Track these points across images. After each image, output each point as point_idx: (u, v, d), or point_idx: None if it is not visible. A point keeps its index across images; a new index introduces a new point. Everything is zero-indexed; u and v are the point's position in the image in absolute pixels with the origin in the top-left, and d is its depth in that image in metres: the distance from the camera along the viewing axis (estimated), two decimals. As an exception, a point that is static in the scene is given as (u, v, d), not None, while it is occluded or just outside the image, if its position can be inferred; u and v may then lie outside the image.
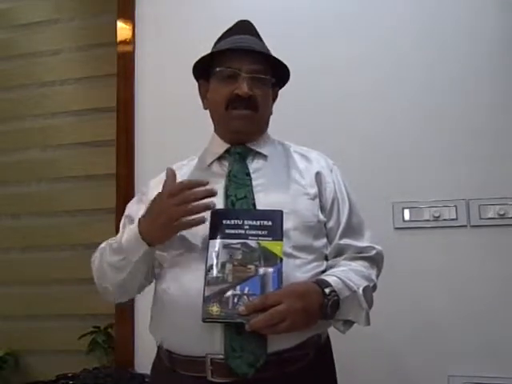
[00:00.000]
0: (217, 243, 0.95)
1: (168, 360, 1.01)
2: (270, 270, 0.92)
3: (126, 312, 1.89)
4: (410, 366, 1.63)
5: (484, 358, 1.58)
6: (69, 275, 2.23)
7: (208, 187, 0.93)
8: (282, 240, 0.95)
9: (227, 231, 0.96)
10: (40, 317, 2.25)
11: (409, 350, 1.63)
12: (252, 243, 0.95)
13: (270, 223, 0.96)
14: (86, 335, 2.08)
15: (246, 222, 0.96)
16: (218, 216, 0.97)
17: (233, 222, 0.96)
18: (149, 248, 0.99)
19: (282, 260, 0.93)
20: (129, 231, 1.02)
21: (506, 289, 1.60)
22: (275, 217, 0.97)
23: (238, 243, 0.95)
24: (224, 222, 0.97)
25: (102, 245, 1.15)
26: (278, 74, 1.15)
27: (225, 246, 0.94)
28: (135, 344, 1.89)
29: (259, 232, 0.96)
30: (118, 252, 1.03)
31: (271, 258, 0.93)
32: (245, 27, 1.18)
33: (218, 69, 1.10)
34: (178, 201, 0.92)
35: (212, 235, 0.96)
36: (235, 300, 0.90)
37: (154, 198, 0.98)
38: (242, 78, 1.07)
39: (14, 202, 2.36)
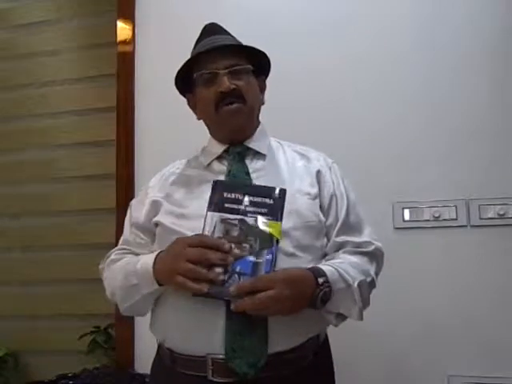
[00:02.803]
0: (214, 216, 0.93)
1: (169, 359, 1.01)
2: (265, 251, 0.91)
3: (126, 312, 1.89)
4: (410, 366, 1.63)
5: (484, 358, 1.58)
6: (69, 275, 2.23)
7: (225, 256, 0.90)
8: (280, 221, 0.94)
9: (226, 205, 0.94)
10: (40, 317, 2.25)
11: (408, 349, 1.63)
12: (250, 221, 0.93)
13: (271, 201, 0.95)
14: (86, 335, 2.08)
15: (246, 198, 0.95)
16: (219, 188, 0.96)
17: (233, 195, 0.95)
18: (160, 287, 1.00)
19: (278, 241, 0.92)
20: (144, 262, 1.02)
21: (506, 289, 1.60)
22: (277, 195, 0.95)
23: (235, 219, 0.93)
24: (225, 194, 0.95)
25: (111, 256, 1.15)
26: (258, 63, 1.15)
27: (222, 221, 0.93)
28: (135, 344, 1.88)
29: (259, 210, 0.94)
30: (130, 279, 1.03)
31: (267, 239, 0.92)
32: (212, 29, 1.19)
33: (195, 75, 1.11)
34: (191, 255, 0.91)
35: (210, 207, 0.94)
36: (226, 277, 0.89)
37: (176, 240, 0.97)
38: (221, 75, 1.08)
39: (14, 202, 2.36)
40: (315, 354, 1.02)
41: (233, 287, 0.88)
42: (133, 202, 1.21)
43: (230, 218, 0.93)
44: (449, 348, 1.60)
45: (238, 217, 0.93)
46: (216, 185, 0.96)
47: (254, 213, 0.94)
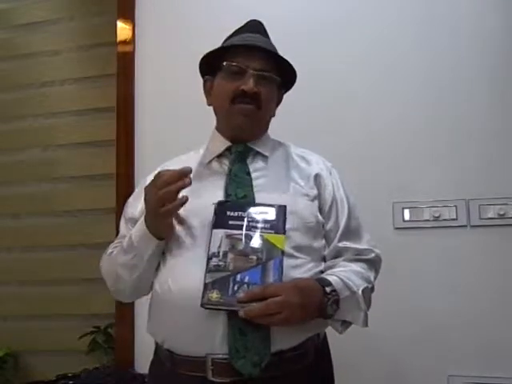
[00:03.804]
0: (219, 233, 0.96)
1: (169, 360, 1.01)
2: (271, 261, 0.93)
3: (125, 312, 1.89)
4: (410, 366, 1.63)
5: (484, 358, 1.58)
6: (69, 275, 2.23)
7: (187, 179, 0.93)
8: (284, 234, 0.96)
9: (230, 222, 0.97)
10: (40, 317, 2.26)
11: (409, 349, 1.63)
12: (254, 235, 0.96)
13: (273, 217, 0.97)
14: (86, 335, 2.09)
15: (249, 215, 0.98)
16: (222, 207, 0.99)
17: (236, 213, 0.98)
18: (158, 242, 1.01)
19: (283, 252, 0.94)
20: (137, 228, 1.04)
21: (506, 289, 1.59)
22: (278, 212, 0.98)
23: (240, 234, 0.95)
24: (228, 213, 0.98)
25: (109, 250, 1.16)
26: (284, 76, 1.16)
27: (227, 236, 0.95)
28: (135, 344, 1.88)
29: (262, 225, 0.97)
30: (129, 251, 1.04)
31: (273, 250, 0.94)
32: (255, 26, 1.19)
33: (225, 63, 1.10)
34: (156, 187, 0.94)
35: (215, 225, 0.97)
36: (235, 288, 0.91)
37: (146, 190, 1.00)
38: (249, 75, 1.08)
39: (14, 202, 2.36)
40: (315, 352, 1.02)
41: (242, 294, 0.90)
42: (129, 200, 1.22)
43: (234, 234, 0.96)
44: (449, 348, 1.60)
45: (243, 232, 0.96)
46: (219, 205, 0.99)
47: (258, 228, 0.97)
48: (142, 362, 1.83)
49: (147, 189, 0.98)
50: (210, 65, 1.16)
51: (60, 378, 1.77)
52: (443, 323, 1.61)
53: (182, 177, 0.93)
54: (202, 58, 1.16)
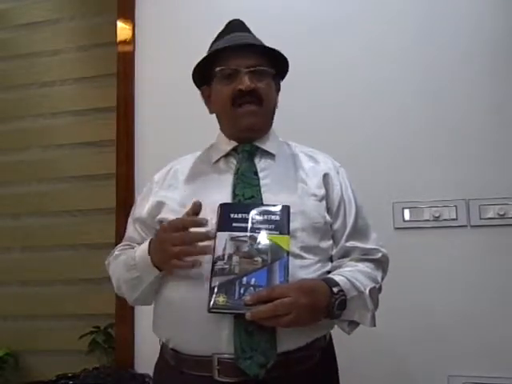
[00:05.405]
0: (224, 236, 0.95)
1: (174, 359, 1.01)
2: (277, 262, 0.93)
3: (126, 312, 1.89)
4: (410, 366, 1.63)
5: (484, 358, 1.58)
6: (69, 275, 2.23)
7: (206, 229, 0.94)
8: (288, 234, 0.95)
9: (234, 224, 0.96)
10: (40, 317, 2.25)
11: (409, 349, 1.63)
12: (259, 236, 0.95)
13: (277, 218, 0.97)
14: (86, 335, 2.08)
15: (252, 216, 0.97)
16: (225, 210, 0.98)
17: (240, 215, 0.97)
18: (160, 272, 1.01)
19: (288, 253, 0.94)
20: (140, 254, 1.03)
21: (506, 289, 1.60)
22: (282, 212, 0.97)
23: (244, 236, 0.95)
24: (231, 215, 0.97)
25: (115, 251, 1.16)
26: (277, 65, 1.16)
27: (232, 239, 0.95)
28: (135, 344, 1.89)
29: (266, 226, 0.96)
30: (131, 270, 1.05)
31: (278, 251, 0.93)
32: (236, 25, 1.20)
33: (217, 69, 1.11)
34: (175, 240, 0.94)
35: (219, 228, 0.97)
36: (241, 291, 0.90)
37: (163, 225, 1.00)
38: (243, 74, 1.08)
39: (14, 202, 2.36)
40: (321, 353, 1.02)
41: (248, 296, 0.89)
42: (137, 199, 1.22)
43: (239, 236, 0.95)
44: (449, 348, 1.60)
45: (247, 234, 0.95)
46: (222, 207, 0.99)
47: (262, 229, 0.96)
48: (142, 362, 1.83)
49: (164, 231, 0.97)
50: (203, 74, 1.16)
51: (60, 378, 1.77)
52: (443, 323, 1.62)
53: (205, 239, 0.93)
54: (194, 70, 1.16)
